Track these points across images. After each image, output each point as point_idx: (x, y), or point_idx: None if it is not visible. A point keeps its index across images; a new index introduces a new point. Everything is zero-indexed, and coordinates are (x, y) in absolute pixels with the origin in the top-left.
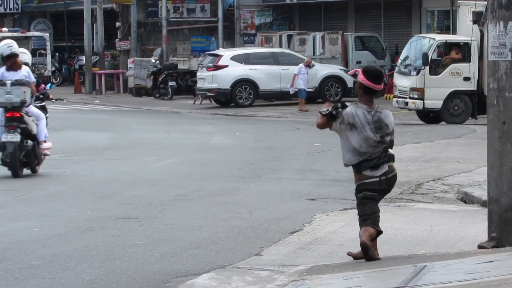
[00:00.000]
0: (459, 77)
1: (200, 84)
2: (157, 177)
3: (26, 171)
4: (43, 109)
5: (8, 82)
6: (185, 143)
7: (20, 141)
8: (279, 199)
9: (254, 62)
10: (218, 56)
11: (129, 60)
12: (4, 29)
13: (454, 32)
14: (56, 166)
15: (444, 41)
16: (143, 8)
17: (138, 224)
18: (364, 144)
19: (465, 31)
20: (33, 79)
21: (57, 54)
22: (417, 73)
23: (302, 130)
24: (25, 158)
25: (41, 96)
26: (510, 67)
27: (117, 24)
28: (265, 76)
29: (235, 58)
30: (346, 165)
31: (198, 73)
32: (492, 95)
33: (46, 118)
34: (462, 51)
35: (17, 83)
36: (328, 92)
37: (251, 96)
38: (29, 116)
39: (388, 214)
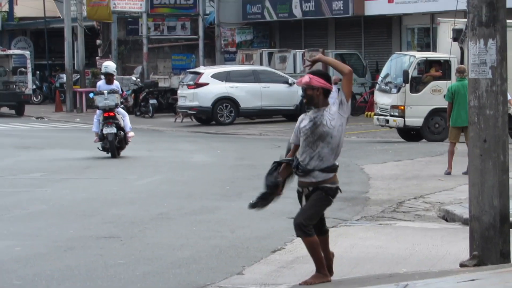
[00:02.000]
0: (439, 94)
1: (181, 102)
2: (138, 195)
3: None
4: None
5: (105, 92)
6: (166, 161)
7: (115, 132)
8: (260, 218)
9: (235, 80)
10: (199, 74)
11: None
12: None
13: (435, 50)
14: (37, 185)
15: (425, 58)
16: (123, 26)
17: (119, 243)
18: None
19: (445, 48)
20: (120, 90)
21: (38, 72)
22: (398, 91)
23: (283, 148)
24: (118, 144)
25: (122, 100)
26: (491, 85)
27: (98, 42)
28: (246, 94)
29: (216, 76)
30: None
31: (179, 91)
32: (473, 112)
33: None
34: (442, 68)
35: (111, 91)
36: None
37: (232, 114)
38: (118, 114)
39: (370, 232)
